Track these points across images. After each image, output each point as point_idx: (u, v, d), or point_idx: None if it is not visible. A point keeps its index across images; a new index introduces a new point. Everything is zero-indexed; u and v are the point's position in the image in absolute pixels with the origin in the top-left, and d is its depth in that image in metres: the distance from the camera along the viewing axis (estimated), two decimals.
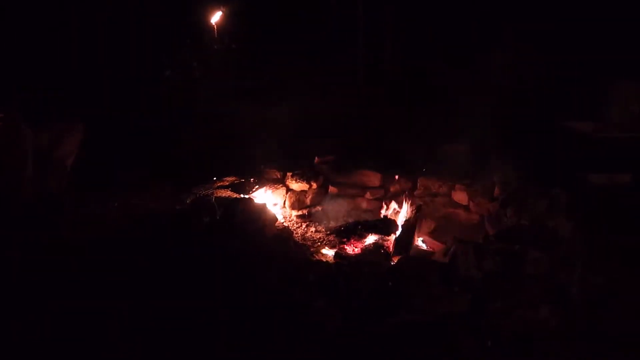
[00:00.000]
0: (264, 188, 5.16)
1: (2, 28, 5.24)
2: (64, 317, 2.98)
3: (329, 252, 4.33)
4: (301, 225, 4.95)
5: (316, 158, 5.52)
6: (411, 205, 4.67)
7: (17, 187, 4.57)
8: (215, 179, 5.28)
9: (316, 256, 4.28)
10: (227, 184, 5.15)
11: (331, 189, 5.26)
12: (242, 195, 4.85)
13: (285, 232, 4.51)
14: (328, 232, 4.72)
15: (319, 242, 4.64)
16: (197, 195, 4.96)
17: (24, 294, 3.15)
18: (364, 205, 5.19)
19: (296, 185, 5.23)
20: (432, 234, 4.62)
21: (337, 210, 5.12)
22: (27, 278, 3.35)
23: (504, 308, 3.14)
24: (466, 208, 4.88)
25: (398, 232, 4.40)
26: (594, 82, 5.90)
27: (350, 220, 4.87)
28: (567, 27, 6.21)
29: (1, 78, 4.74)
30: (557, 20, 6.27)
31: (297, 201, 5.18)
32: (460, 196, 4.93)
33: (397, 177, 5.18)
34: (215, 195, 4.88)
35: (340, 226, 4.58)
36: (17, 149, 4.50)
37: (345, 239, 4.37)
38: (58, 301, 3.12)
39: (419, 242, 4.49)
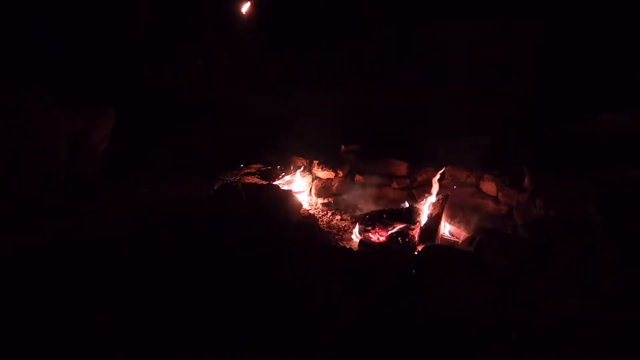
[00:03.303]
0: (290, 175, 5.18)
1: (34, 15, 5.37)
2: (94, 301, 3.07)
3: (353, 240, 4.32)
4: (327, 213, 4.95)
5: (342, 146, 5.51)
6: (438, 194, 4.61)
7: (51, 171, 4.71)
8: (242, 165, 5.33)
9: (341, 243, 4.28)
10: (254, 170, 5.20)
11: (357, 177, 5.24)
12: (268, 182, 4.89)
13: (310, 219, 4.53)
14: (353, 220, 4.70)
15: (344, 230, 4.63)
16: (224, 181, 5.03)
17: (49, 282, 3.22)
18: (390, 194, 5.15)
19: (322, 174, 5.24)
20: (459, 224, 4.56)
21: (362, 198, 5.10)
22: (52, 265, 3.43)
23: (530, 299, 3.08)
24: (494, 198, 4.79)
25: (423, 222, 4.36)
26: (633, 71, 5.70)
27: (376, 208, 4.84)
28: (602, 17, 6.01)
29: (34, 64, 4.87)
30: (592, 10, 6.08)
31: (323, 189, 5.19)
32: (488, 186, 4.85)
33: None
34: (242, 181, 4.93)
35: (366, 214, 4.56)
36: (50, 133, 4.64)
37: (370, 227, 4.35)
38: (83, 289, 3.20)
39: (445, 232, 4.44)
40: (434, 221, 4.30)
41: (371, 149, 5.38)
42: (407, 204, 4.77)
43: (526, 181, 4.59)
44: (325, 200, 5.16)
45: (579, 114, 5.67)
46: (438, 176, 4.80)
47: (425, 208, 4.59)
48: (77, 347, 2.62)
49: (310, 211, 4.93)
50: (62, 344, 2.63)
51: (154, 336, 2.71)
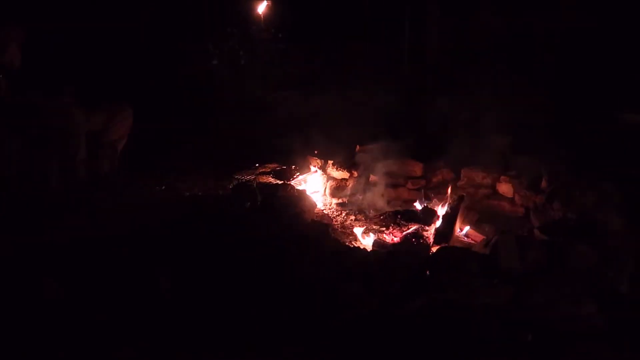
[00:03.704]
0: (305, 175, 5.20)
1: (52, 11, 5.47)
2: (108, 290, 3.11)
3: (367, 241, 4.31)
4: (341, 213, 4.94)
5: (357, 146, 5.50)
6: (453, 196, 4.58)
7: (71, 169, 4.79)
8: (257, 165, 5.37)
9: (354, 243, 4.27)
10: (269, 170, 5.24)
11: (372, 177, 5.23)
12: (283, 182, 4.91)
13: (324, 219, 4.54)
14: (367, 221, 4.69)
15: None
16: (240, 180, 5.07)
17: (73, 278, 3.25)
18: (405, 195, 5.13)
19: (337, 174, 5.24)
20: (475, 226, 4.51)
21: (377, 199, 5.08)
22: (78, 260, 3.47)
23: (546, 302, 3.04)
24: (511, 200, 4.73)
25: (439, 223, 4.33)
26: None
27: (391, 209, 4.82)
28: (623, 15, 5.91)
29: (54, 61, 4.95)
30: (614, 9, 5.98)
31: (338, 189, 5.19)
32: (505, 188, 4.79)
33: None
34: (257, 181, 4.97)
35: (380, 215, 4.56)
36: (71, 132, 4.71)
37: (384, 228, 4.35)
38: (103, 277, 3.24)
39: (460, 233, 4.40)
40: (449, 223, 4.27)
41: (386, 149, 5.36)
42: (420, 204, 4.75)
43: (543, 183, 4.52)
44: (340, 201, 5.15)
45: (600, 113, 5.58)
46: (453, 177, 4.75)
47: (441, 209, 4.56)
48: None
49: (324, 211, 4.94)
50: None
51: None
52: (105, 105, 5.18)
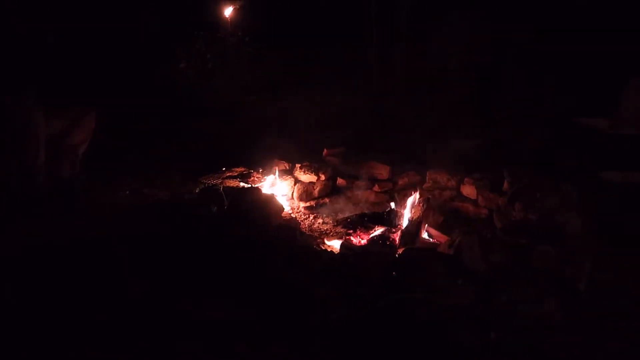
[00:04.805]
0: (272, 179, 5.17)
1: (20, 14, 5.30)
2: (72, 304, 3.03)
3: (335, 243, 4.32)
4: (308, 217, 4.95)
5: (325, 150, 5.52)
6: (419, 198, 4.64)
7: (30, 172, 4.63)
8: (224, 169, 5.31)
9: (322, 246, 4.27)
10: (236, 174, 5.19)
11: (339, 180, 5.25)
12: (250, 185, 4.88)
13: (291, 222, 4.53)
14: (335, 224, 4.71)
15: (325, 233, 4.63)
16: (206, 184, 5.01)
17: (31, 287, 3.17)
18: (372, 197, 5.17)
19: (304, 177, 5.23)
20: (440, 228, 4.58)
21: (344, 202, 5.11)
22: (34, 269, 3.38)
23: (509, 301, 3.12)
24: (475, 202, 4.83)
25: (404, 225, 4.38)
26: (610, 77, 5.80)
27: (358, 212, 4.86)
28: (583, 20, 6.12)
29: (17, 64, 4.80)
30: (573, 12, 6.19)
31: (305, 192, 5.18)
32: (469, 190, 4.89)
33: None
34: (224, 185, 4.92)
35: (347, 218, 4.58)
36: (30, 134, 4.56)
37: (351, 231, 4.38)
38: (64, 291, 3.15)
39: (426, 235, 4.46)
40: (415, 224, 4.32)
41: (354, 152, 5.39)
42: (392, 206, 4.79)
43: (505, 185, 4.64)
44: (307, 204, 5.15)
45: (560, 119, 5.75)
46: (419, 180, 4.82)
47: (407, 211, 4.61)
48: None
49: (292, 215, 4.93)
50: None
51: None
52: (67, 109, 5.04)
